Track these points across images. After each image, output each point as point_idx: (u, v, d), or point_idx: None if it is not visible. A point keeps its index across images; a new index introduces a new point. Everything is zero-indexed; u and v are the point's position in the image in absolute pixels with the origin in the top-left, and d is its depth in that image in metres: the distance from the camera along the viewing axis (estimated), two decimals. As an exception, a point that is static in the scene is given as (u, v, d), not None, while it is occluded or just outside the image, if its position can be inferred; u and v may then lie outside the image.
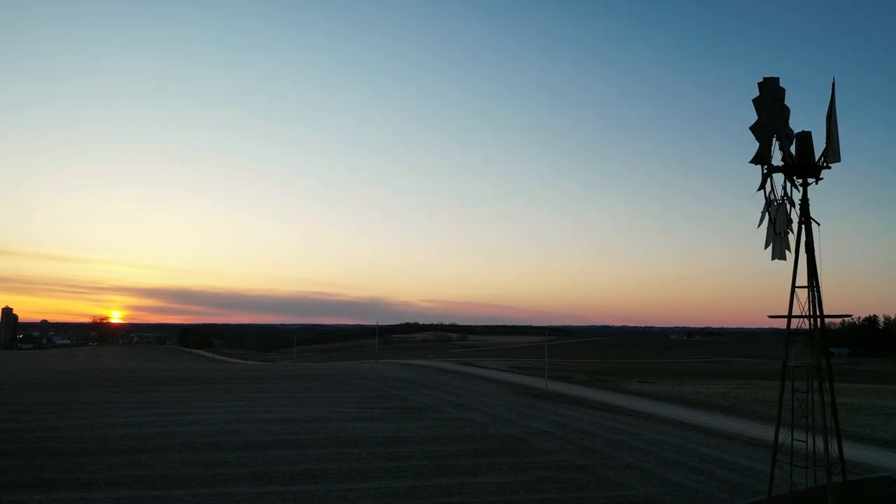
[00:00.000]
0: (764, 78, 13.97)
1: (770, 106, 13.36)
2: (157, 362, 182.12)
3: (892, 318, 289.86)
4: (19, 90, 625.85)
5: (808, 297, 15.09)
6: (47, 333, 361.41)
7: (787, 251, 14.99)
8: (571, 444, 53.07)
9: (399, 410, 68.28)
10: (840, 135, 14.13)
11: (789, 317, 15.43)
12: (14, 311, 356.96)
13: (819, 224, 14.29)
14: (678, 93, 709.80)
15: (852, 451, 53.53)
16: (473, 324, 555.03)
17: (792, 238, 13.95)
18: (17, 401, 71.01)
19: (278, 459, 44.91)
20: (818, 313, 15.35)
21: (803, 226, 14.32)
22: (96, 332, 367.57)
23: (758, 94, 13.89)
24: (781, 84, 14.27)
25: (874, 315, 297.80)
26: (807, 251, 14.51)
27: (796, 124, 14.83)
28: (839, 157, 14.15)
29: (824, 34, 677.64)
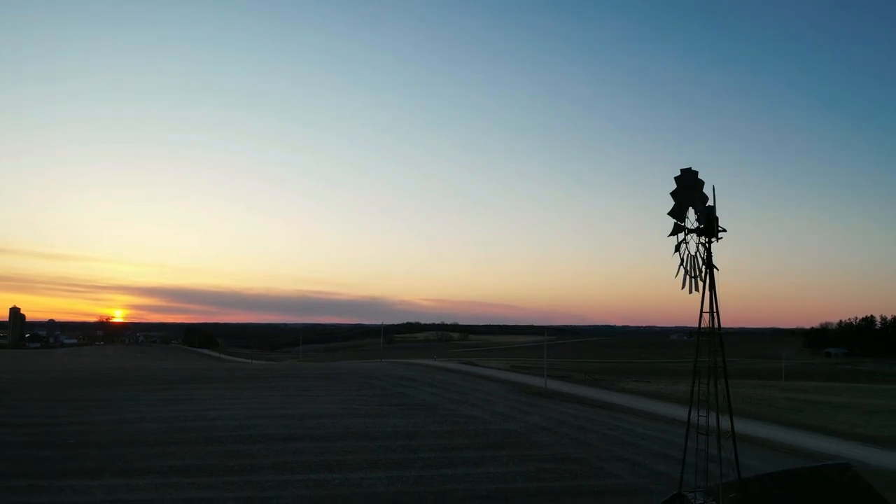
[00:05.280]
0: (681, 170, 18.41)
1: (684, 193, 17.83)
2: (166, 362, 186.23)
3: (889, 318, 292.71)
4: (22, 90, 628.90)
5: (710, 321, 19.41)
6: (54, 333, 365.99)
7: (696, 288, 19.25)
8: (568, 438, 56.91)
9: (406, 407, 72.23)
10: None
11: (699, 332, 19.51)
12: (21, 311, 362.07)
13: (718, 269, 18.54)
14: (678, 92, 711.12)
15: (829, 446, 57.48)
16: (475, 323, 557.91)
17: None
18: (46, 397, 75.01)
19: (297, 451, 48.85)
20: (719, 331, 19.56)
21: (708, 270, 18.64)
22: (102, 332, 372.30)
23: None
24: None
25: (871, 315, 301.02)
26: (710, 288, 18.86)
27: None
28: (718, 236, 18.41)
29: (819, 34, 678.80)
